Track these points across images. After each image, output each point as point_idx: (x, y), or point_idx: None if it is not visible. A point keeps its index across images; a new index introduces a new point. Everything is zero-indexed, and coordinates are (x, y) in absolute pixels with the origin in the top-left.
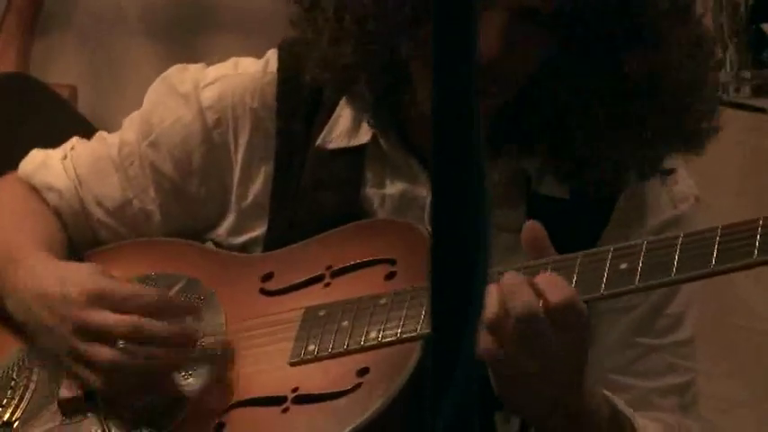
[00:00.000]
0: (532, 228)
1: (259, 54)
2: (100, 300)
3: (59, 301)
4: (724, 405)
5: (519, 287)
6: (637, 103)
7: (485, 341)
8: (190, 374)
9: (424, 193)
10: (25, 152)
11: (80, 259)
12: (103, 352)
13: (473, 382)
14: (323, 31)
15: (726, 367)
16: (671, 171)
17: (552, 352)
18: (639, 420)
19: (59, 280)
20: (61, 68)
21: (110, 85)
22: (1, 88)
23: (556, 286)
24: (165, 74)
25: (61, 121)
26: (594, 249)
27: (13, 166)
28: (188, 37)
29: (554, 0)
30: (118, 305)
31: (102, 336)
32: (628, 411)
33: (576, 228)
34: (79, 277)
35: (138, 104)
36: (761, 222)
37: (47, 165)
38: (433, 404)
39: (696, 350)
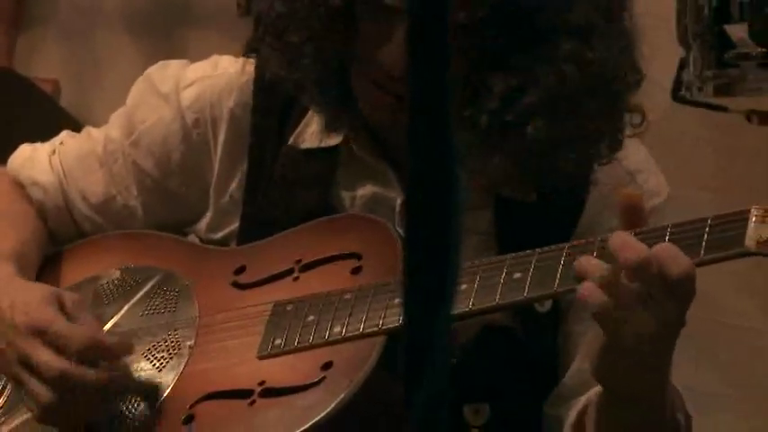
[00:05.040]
0: (629, 196)
1: (237, 49)
2: (40, 334)
3: (8, 326)
4: (707, 401)
5: (636, 250)
6: (575, 99)
7: (600, 300)
8: (160, 368)
9: (393, 194)
10: (7, 145)
11: (59, 254)
12: (40, 391)
13: (445, 378)
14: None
15: (709, 364)
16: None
17: (666, 316)
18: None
19: (11, 304)
20: (44, 62)
21: (91, 79)
22: None
23: (676, 258)
24: (147, 72)
25: (44, 114)
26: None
27: None
28: (167, 32)
29: (463, 13)
30: (54, 342)
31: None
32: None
33: (545, 230)
34: (28, 305)
35: (119, 98)
36: (709, 222)
37: (34, 159)
38: (407, 397)
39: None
